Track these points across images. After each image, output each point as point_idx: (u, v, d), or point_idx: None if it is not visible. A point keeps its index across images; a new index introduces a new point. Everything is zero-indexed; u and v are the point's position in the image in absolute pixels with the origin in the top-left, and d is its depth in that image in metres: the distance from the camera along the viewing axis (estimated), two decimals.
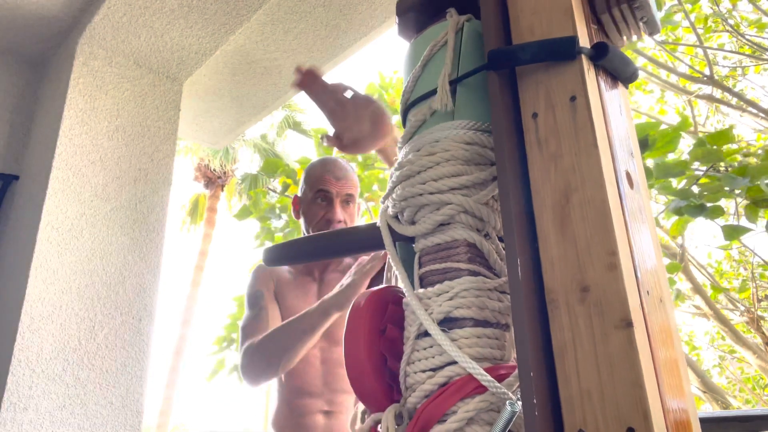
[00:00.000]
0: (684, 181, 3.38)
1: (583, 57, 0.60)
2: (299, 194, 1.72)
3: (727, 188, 3.12)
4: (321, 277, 1.66)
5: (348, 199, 1.63)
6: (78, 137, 1.99)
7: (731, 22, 6.98)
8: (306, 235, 1.63)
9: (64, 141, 1.95)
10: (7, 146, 2.24)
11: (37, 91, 2.36)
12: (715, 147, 3.11)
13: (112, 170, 2.03)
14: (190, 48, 2.19)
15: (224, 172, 14.38)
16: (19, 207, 2.08)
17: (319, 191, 1.62)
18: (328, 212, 1.60)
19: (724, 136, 3.21)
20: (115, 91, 2.14)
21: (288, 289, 1.63)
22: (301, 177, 1.75)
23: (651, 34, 0.69)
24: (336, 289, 1.43)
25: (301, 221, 1.69)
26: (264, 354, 1.43)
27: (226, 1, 2.00)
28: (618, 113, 0.64)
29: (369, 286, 1.38)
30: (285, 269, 1.67)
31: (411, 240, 0.71)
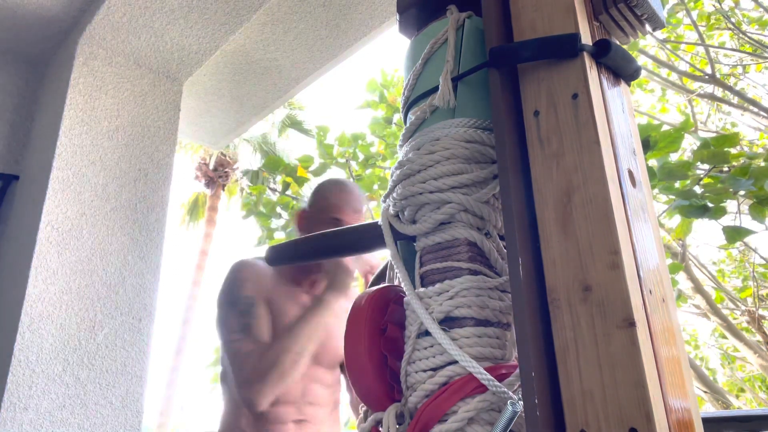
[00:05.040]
0: (687, 182, 3.36)
1: (585, 54, 0.59)
2: (307, 209, 1.61)
3: (731, 190, 3.10)
4: (311, 291, 1.58)
5: None
6: (78, 137, 1.99)
7: (733, 19, 6.96)
8: None
9: (64, 141, 1.95)
10: (7, 146, 2.24)
11: (37, 91, 2.35)
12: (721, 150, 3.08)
13: (112, 170, 2.03)
14: (190, 48, 2.19)
15: (225, 171, 14.36)
16: (19, 207, 2.08)
17: (334, 219, 1.51)
18: None
19: (729, 139, 3.19)
20: (115, 91, 2.13)
21: (284, 302, 1.52)
22: (313, 193, 1.63)
23: (655, 29, 0.69)
24: (320, 305, 1.42)
25: None
26: (266, 379, 1.38)
27: (226, 1, 2.00)
28: (620, 111, 0.63)
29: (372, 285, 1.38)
30: (278, 275, 1.55)
31: (412, 239, 0.70)
